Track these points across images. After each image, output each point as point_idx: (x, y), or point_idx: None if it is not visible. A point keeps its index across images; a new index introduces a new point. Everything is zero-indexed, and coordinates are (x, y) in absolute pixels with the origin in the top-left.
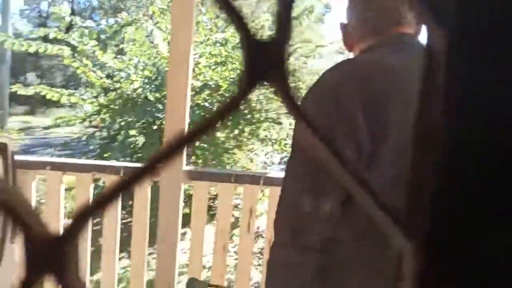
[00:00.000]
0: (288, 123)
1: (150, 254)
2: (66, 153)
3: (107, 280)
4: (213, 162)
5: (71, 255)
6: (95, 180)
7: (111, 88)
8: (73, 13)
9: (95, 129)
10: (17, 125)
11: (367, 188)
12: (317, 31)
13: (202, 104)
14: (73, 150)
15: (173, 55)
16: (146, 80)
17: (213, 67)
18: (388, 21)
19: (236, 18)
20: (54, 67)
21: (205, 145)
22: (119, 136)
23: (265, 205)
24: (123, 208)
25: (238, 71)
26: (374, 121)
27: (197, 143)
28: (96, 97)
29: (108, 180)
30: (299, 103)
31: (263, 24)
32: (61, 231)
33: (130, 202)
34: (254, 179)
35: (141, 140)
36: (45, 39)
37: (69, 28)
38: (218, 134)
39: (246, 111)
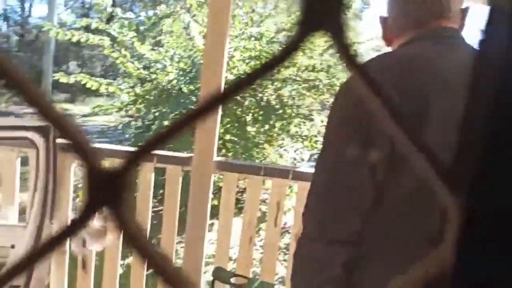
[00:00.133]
0: (320, 120)
1: (178, 242)
2: (102, 140)
3: (138, 265)
4: (243, 156)
5: (127, 189)
6: None
7: (147, 79)
8: (114, 4)
9: (131, 119)
10: None
11: (417, 140)
12: (355, 27)
13: (234, 98)
14: (109, 138)
15: (208, 48)
16: (181, 72)
17: (247, 61)
18: (430, 14)
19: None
20: (95, 57)
21: (236, 139)
22: (153, 126)
23: (292, 201)
24: (154, 196)
25: None
26: (413, 115)
27: (228, 137)
28: (132, 87)
29: (143, 168)
30: (354, 54)
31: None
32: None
33: (161, 191)
34: (283, 173)
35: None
36: (87, 29)
37: (110, 19)
38: (249, 128)
39: (277, 106)
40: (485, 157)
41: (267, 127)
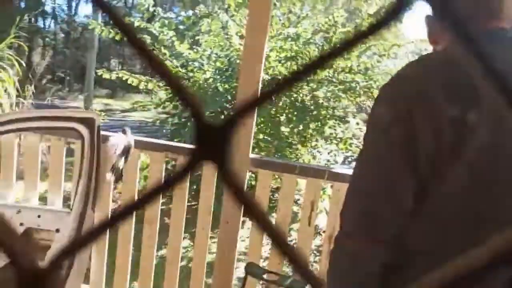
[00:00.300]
0: (355, 122)
1: (210, 237)
2: (140, 136)
3: (172, 257)
4: (276, 155)
5: (230, 144)
6: (167, 162)
7: (185, 77)
8: (155, 4)
9: (168, 115)
10: (99, 106)
11: None
12: (394, 29)
13: (262, 90)
14: (146, 134)
15: (247, 48)
16: (218, 71)
17: (282, 61)
18: (480, 14)
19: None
20: (135, 55)
21: (269, 138)
22: (189, 123)
23: (325, 202)
24: (189, 191)
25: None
26: (461, 116)
27: (261, 136)
28: None
29: (180, 161)
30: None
31: (337, 20)
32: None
33: (194, 187)
34: (318, 173)
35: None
36: None
37: (151, 18)
38: (283, 128)
39: (312, 107)
40: None
41: (301, 127)
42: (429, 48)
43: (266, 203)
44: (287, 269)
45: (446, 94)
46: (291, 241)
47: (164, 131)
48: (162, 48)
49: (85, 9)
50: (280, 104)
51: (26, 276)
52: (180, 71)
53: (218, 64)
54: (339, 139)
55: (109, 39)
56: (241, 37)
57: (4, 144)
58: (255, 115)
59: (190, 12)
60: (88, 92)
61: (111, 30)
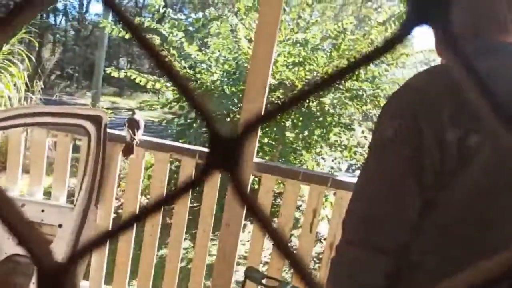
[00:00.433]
0: (361, 130)
1: (211, 240)
2: (145, 135)
3: (172, 257)
4: (280, 160)
5: (242, 154)
6: (171, 163)
7: (192, 79)
8: (165, 5)
9: (174, 116)
10: (106, 104)
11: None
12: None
13: (276, 102)
14: (152, 133)
15: (255, 52)
16: (225, 74)
17: (290, 66)
18: (489, 27)
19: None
20: (144, 55)
21: (274, 143)
22: (194, 125)
23: (326, 210)
24: (191, 193)
25: (315, 73)
26: (466, 130)
27: (266, 140)
28: None
29: (183, 163)
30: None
31: (346, 27)
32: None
33: (197, 188)
34: (321, 180)
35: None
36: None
37: (161, 19)
38: (288, 133)
39: (318, 113)
40: None
41: (306, 133)
42: (438, 59)
43: (268, 208)
44: (287, 276)
45: (451, 107)
46: (291, 247)
47: (169, 131)
48: (171, 49)
49: (96, 8)
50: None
51: (45, 272)
52: (188, 72)
53: (226, 66)
54: (343, 147)
55: (118, 38)
56: (250, 40)
57: (11, 138)
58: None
59: (200, 14)
60: (96, 90)
61: (121, 29)
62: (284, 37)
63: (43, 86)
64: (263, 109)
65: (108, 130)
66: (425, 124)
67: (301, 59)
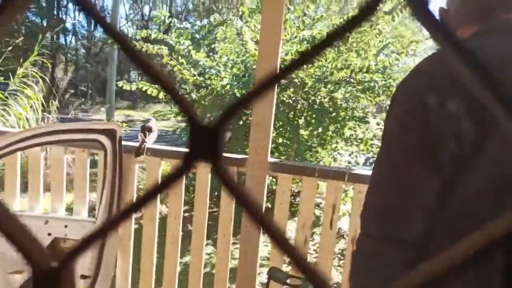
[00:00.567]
0: (376, 122)
1: (233, 243)
2: (161, 144)
3: (195, 263)
4: (296, 159)
5: (222, 143)
6: None
7: (202, 85)
8: (171, 16)
9: (187, 123)
10: (121, 118)
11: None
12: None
13: (287, 101)
14: (167, 142)
15: (262, 53)
16: (235, 77)
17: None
18: (497, 6)
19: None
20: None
21: (288, 142)
22: None
23: (347, 206)
24: (210, 198)
25: (324, 69)
26: (481, 114)
27: (280, 140)
28: (189, 93)
29: (199, 169)
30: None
31: None
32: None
33: (216, 193)
34: (338, 174)
35: (227, 134)
36: (147, 40)
37: (167, 29)
38: (302, 131)
39: (331, 109)
40: None
41: (320, 130)
42: None
43: (286, 207)
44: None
45: (462, 91)
46: (314, 245)
47: (184, 139)
48: (179, 57)
49: None
50: (298, 107)
51: (40, 273)
52: (197, 79)
53: (234, 70)
54: (359, 140)
55: None
56: (256, 42)
57: (30, 158)
58: (272, 119)
59: (205, 21)
60: (110, 104)
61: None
62: (291, 36)
63: (58, 106)
64: (273, 110)
65: (124, 143)
66: (435, 108)
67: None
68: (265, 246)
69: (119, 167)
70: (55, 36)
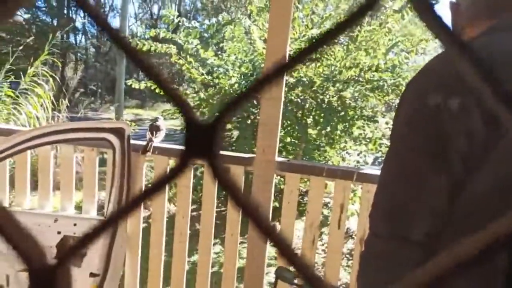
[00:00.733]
0: (385, 122)
1: (240, 243)
2: (169, 143)
3: (203, 262)
4: (304, 158)
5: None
6: (196, 169)
7: (210, 84)
8: (179, 15)
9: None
10: (130, 116)
11: None
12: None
13: (295, 100)
14: (175, 141)
15: (270, 52)
16: (243, 76)
17: (307, 63)
18: (508, 3)
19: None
20: (162, 65)
21: (296, 141)
22: None
23: (356, 205)
24: (217, 197)
25: (333, 68)
26: (489, 113)
27: (288, 139)
28: (197, 92)
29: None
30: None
31: None
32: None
33: (223, 192)
34: (346, 174)
35: (235, 133)
36: (155, 39)
37: (176, 28)
38: (310, 130)
39: (339, 108)
40: None
41: (328, 129)
42: None
43: (294, 206)
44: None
45: (471, 90)
46: (323, 245)
47: None
48: (188, 56)
49: (113, 23)
50: (307, 106)
51: (37, 272)
52: (206, 78)
53: (243, 69)
54: (368, 140)
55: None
56: (265, 41)
57: (40, 156)
58: (280, 118)
59: (214, 20)
60: (119, 103)
61: (138, 42)
62: (299, 34)
63: (68, 104)
64: (281, 109)
65: (133, 141)
66: (445, 107)
67: (318, 55)
68: (272, 246)
69: (128, 165)
70: (65, 36)
